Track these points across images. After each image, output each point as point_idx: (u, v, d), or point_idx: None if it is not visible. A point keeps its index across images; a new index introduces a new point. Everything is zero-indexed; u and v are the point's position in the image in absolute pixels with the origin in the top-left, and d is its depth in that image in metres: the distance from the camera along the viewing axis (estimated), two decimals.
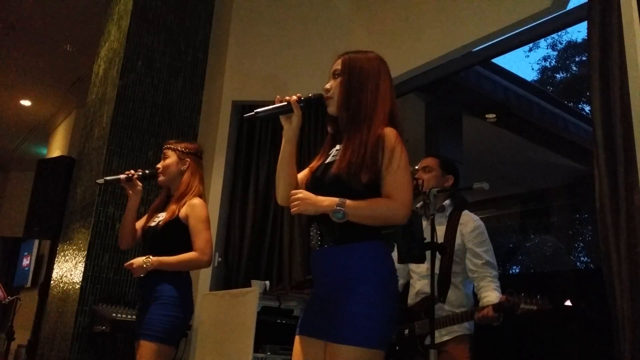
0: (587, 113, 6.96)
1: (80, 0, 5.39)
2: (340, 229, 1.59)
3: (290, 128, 1.69)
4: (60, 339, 3.88)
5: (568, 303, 3.86)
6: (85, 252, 3.85)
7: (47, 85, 7.19)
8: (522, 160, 6.25)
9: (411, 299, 2.69)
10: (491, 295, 2.38)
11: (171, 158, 2.62)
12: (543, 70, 12.51)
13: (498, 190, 6.28)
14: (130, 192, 2.58)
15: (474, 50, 3.46)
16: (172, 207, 2.53)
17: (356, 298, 1.53)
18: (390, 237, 2.95)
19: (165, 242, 2.49)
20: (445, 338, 2.48)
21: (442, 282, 2.51)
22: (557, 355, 3.67)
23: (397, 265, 2.76)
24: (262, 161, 4.21)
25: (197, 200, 2.53)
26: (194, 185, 2.59)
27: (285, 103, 1.66)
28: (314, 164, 1.79)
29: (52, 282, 4.62)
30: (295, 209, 1.58)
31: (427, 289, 2.56)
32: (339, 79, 1.71)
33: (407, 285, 2.80)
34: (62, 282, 4.29)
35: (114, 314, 3.46)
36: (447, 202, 2.69)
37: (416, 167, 2.70)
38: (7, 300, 4.57)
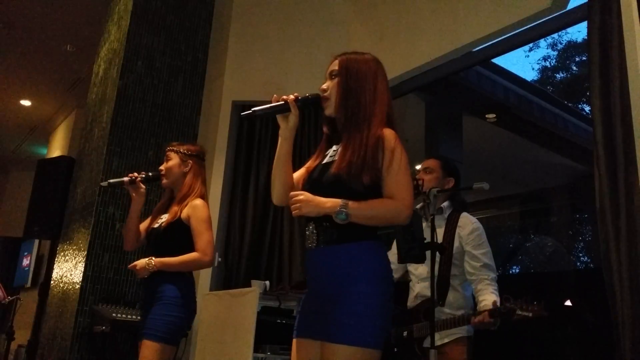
0: (587, 113, 6.95)
1: (80, 0, 5.39)
2: (338, 229, 1.59)
3: (287, 127, 1.69)
4: (60, 339, 3.88)
5: (568, 303, 3.86)
6: (85, 252, 3.85)
7: (47, 85, 7.19)
8: (522, 160, 6.25)
9: (410, 302, 2.70)
10: (488, 298, 2.39)
11: (174, 160, 2.65)
12: (543, 70, 12.51)
13: (498, 190, 6.28)
14: (134, 194, 2.60)
15: (474, 50, 3.46)
16: (175, 208, 2.55)
17: (353, 297, 1.53)
18: (386, 238, 2.96)
19: (168, 243, 2.51)
20: (445, 340, 2.48)
21: (441, 285, 2.52)
22: (557, 356, 3.67)
23: (393, 264, 2.77)
24: (262, 161, 4.21)
25: (198, 202, 2.55)
26: (197, 186, 2.62)
27: (283, 102, 1.66)
28: (310, 164, 1.79)
29: (52, 282, 4.62)
30: (297, 211, 1.58)
31: (427, 292, 2.56)
32: (336, 80, 1.71)
33: (406, 287, 2.80)
34: (62, 282, 4.29)
35: (114, 314, 3.46)
36: (445, 203, 2.69)
37: (417, 168, 2.70)
38: (7, 300, 4.57)
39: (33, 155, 9.00)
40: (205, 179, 2.72)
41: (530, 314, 2.21)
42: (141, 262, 2.46)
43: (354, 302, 1.52)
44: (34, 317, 5.67)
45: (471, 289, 2.56)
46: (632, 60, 2.32)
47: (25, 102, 7.78)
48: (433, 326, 2.20)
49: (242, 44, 4.55)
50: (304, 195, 1.58)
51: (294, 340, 1.67)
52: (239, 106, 4.35)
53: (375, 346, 1.52)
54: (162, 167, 2.67)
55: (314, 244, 1.65)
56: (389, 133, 1.64)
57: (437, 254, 2.40)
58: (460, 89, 5.00)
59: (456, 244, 2.57)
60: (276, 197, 1.76)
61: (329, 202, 1.55)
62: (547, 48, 12.29)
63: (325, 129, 1.80)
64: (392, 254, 2.69)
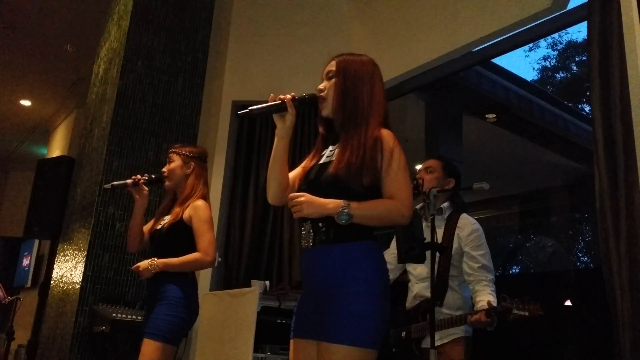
0: (587, 113, 6.95)
1: (80, 0, 5.39)
2: (336, 228, 1.59)
3: (283, 127, 1.69)
4: (60, 339, 3.88)
5: (568, 303, 3.86)
6: (85, 252, 3.85)
7: (47, 85, 7.20)
8: (522, 160, 6.25)
9: (409, 302, 2.69)
10: (485, 299, 2.39)
11: (176, 162, 2.67)
12: (543, 70, 12.50)
13: (498, 190, 6.28)
14: (137, 196, 2.63)
15: (474, 50, 3.46)
16: (177, 209, 2.58)
17: (349, 297, 1.53)
18: (386, 238, 2.96)
19: (171, 244, 2.54)
20: (443, 341, 2.48)
21: (439, 285, 2.51)
22: (557, 356, 3.67)
23: (391, 264, 2.77)
24: (262, 161, 4.21)
25: (200, 202, 2.58)
26: (199, 188, 2.64)
27: (280, 102, 1.66)
28: (306, 164, 1.79)
29: (52, 282, 4.62)
30: (299, 212, 1.57)
31: (425, 293, 2.57)
32: (333, 80, 1.72)
33: (405, 288, 2.80)
34: (62, 282, 4.29)
35: (114, 314, 3.46)
36: (445, 204, 2.69)
37: (417, 168, 2.70)
38: (7, 300, 4.57)
39: (33, 155, 9.00)
40: (207, 181, 2.75)
41: (527, 313, 2.22)
42: (144, 264, 2.49)
43: (351, 302, 1.52)
44: (34, 317, 5.68)
45: (469, 290, 2.56)
46: (632, 60, 2.32)
47: (25, 102, 7.79)
48: (433, 326, 2.20)
49: (242, 44, 4.55)
50: (305, 197, 1.58)
51: (291, 341, 1.67)
52: (239, 106, 4.35)
53: (371, 346, 1.52)
54: (164, 169, 2.69)
55: (310, 244, 1.64)
56: (387, 134, 1.65)
57: (437, 254, 2.40)
58: (460, 89, 5.00)
59: (455, 244, 2.57)
60: (272, 196, 1.76)
61: (331, 203, 1.55)
62: (547, 48, 12.29)
63: (320, 129, 1.80)
64: (390, 254, 2.70)
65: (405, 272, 2.81)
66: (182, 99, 4.55)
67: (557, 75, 12.26)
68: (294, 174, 1.79)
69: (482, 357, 2.71)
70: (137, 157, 4.20)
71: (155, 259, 2.48)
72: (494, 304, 2.33)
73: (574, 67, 11.81)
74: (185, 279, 2.52)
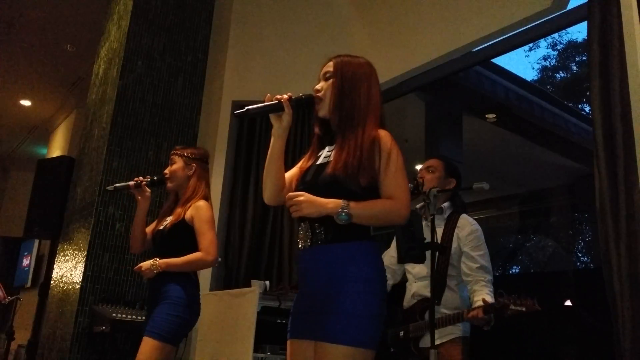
0: (587, 113, 6.96)
1: (80, 0, 5.39)
2: (334, 228, 1.59)
3: (280, 127, 1.69)
4: (60, 339, 3.88)
5: (568, 303, 3.86)
6: (85, 252, 3.85)
7: (47, 85, 7.20)
8: (522, 160, 6.25)
9: (407, 302, 2.69)
10: (482, 298, 2.39)
11: (178, 164, 2.70)
12: (543, 70, 12.51)
13: (498, 190, 6.28)
14: (139, 198, 2.65)
15: (474, 50, 3.46)
16: (178, 210, 2.60)
17: (346, 297, 1.53)
18: (386, 238, 2.96)
19: (173, 244, 2.55)
20: (440, 341, 2.47)
21: (437, 284, 2.51)
22: (557, 356, 3.67)
23: (393, 266, 2.77)
24: (262, 161, 4.15)
25: (202, 203, 2.60)
26: (200, 189, 2.66)
27: (276, 102, 1.66)
28: (303, 164, 1.79)
29: (52, 282, 4.62)
30: (298, 212, 1.57)
31: (423, 291, 2.57)
32: (330, 81, 1.72)
33: (402, 287, 2.79)
34: (62, 282, 4.29)
35: (114, 314, 3.46)
36: (446, 204, 2.69)
37: (417, 168, 2.70)
38: (7, 300, 4.57)
39: (33, 155, 9.00)
40: (209, 182, 2.77)
41: (524, 309, 2.22)
42: (146, 264, 2.50)
43: (348, 302, 1.52)
44: (34, 317, 5.67)
45: (467, 290, 2.56)
46: (632, 60, 2.32)
47: (25, 102, 7.79)
48: (433, 326, 2.19)
49: (242, 44, 4.55)
50: (304, 197, 1.57)
51: (288, 342, 1.67)
52: (239, 106, 4.29)
53: (368, 346, 1.52)
54: (166, 171, 2.72)
55: (308, 244, 1.65)
56: (384, 134, 1.65)
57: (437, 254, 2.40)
58: (460, 89, 5.00)
59: (454, 244, 2.57)
60: (268, 196, 1.76)
61: (331, 203, 1.55)
62: (547, 48, 12.31)
63: (316, 130, 1.80)
64: (391, 256, 2.70)
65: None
66: (182, 99, 4.55)
67: (557, 75, 12.27)
68: (290, 174, 1.79)
69: (481, 358, 2.71)
70: (137, 157, 4.20)
71: (158, 259, 2.49)
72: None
73: (574, 67, 11.82)
74: (188, 279, 2.53)
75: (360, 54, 1.84)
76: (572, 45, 11.95)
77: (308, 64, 4.18)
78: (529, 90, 5.56)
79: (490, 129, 5.59)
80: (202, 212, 2.56)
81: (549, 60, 12.32)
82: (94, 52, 5.29)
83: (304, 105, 1.71)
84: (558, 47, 12.16)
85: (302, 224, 1.67)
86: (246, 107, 1.67)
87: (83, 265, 3.83)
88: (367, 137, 1.63)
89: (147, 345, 2.35)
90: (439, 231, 2.58)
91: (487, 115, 5.41)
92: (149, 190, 2.67)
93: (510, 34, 3.22)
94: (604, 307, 2.22)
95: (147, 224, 2.75)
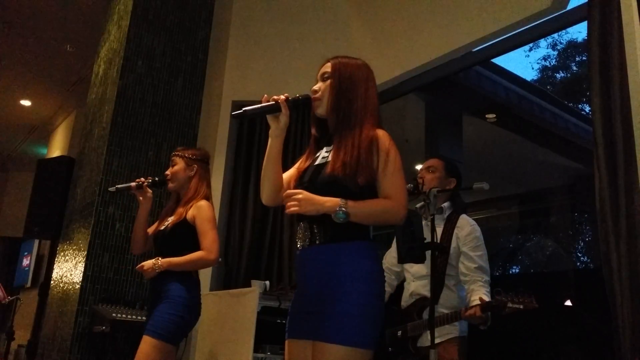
0: (587, 113, 6.95)
1: (80, 0, 5.39)
2: (333, 228, 1.59)
3: (277, 127, 1.69)
4: (60, 339, 3.88)
5: (568, 303, 3.86)
6: (85, 252, 3.85)
7: (47, 85, 7.19)
8: (522, 160, 6.25)
9: (405, 301, 2.69)
10: (479, 297, 2.38)
11: (179, 165, 2.72)
12: (543, 70, 12.50)
13: (498, 190, 6.27)
14: (141, 198, 2.68)
15: (474, 50, 3.46)
16: (180, 210, 2.62)
17: (344, 297, 1.53)
18: (386, 238, 2.96)
19: (174, 244, 2.56)
20: (437, 340, 2.47)
21: (435, 284, 2.51)
22: (557, 356, 3.67)
23: (395, 267, 2.77)
24: (262, 161, 4.19)
25: (203, 202, 2.62)
26: (202, 189, 2.69)
27: (274, 102, 1.66)
28: (301, 165, 1.79)
29: (52, 282, 4.62)
30: (295, 208, 1.56)
31: (422, 290, 2.57)
32: (328, 82, 1.72)
33: (401, 286, 2.79)
34: (62, 282, 4.29)
35: (114, 314, 3.46)
36: (446, 204, 2.69)
37: (417, 168, 2.70)
38: (7, 300, 4.57)
39: (33, 155, 9.00)
40: (210, 183, 2.79)
41: (521, 306, 2.21)
42: (148, 263, 2.52)
43: (346, 301, 1.52)
44: (34, 317, 5.68)
45: (465, 290, 2.56)
46: (632, 60, 2.32)
47: (25, 102, 7.78)
48: (433, 325, 2.19)
49: (242, 44, 4.55)
50: (302, 195, 1.57)
51: (286, 342, 1.67)
52: (239, 106, 4.31)
53: (366, 346, 1.52)
54: (167, 172, 2.73)
55: (307, 244, 1.65)
56: (382, 134, 1.66)
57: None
58: (460, 89, 5.00)
59: (453, 244, 2.57)
60: (265, 197, 1.77)
61: (329, 202, 1.55)
62: (547, 48, 12.29)
63: (313, 131, 1.81)
64: (392, 256, 2.69)
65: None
66: (182, 99, 4.55)
67: (557, 75, 12.26)
68: (288, 174, 1.79)
69: (482, 358, 2.71)
70: (137, 157, 4.20)
71: (160, 259, 2.50)
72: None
73: (574, 67, 11.81)
74: (190, 279, 2.54)
75: (360, 54, 1.84)
76: (572, 45, 11.95)
77: (308, 64, 4.16)
78: (529, 90, 5.56)
79: (490, 129, 5.59)
80: (203, 211, 2.57)
81: (549, 60, 12.32)
82: (94, 52, 5.29)
83: (301, 106, 1.72)
84: (558, 47, 12.16)
85: (301, 223, 1.67)
86: (243, 108, 1.68)
87: (83, 265, 3.83)
88: (364, 137, 1.63)
89: (147, 344, 2.35)
90: (439, 231, 2.58)
91: (487, 115, 5.41)
92: (150, 191, 2.70)
93: (510, 34, 3.22)
94: (604, 307, 2.22)
95: (149, 224, 2.76)
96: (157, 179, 2.72)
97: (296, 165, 1.82)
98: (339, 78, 1.71)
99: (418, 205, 2.62)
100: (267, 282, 3.32)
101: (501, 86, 5.18)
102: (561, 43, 12.12)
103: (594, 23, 2.48)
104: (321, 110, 1.73)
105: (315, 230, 1.63)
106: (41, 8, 5.55)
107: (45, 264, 6.53)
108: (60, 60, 6.52)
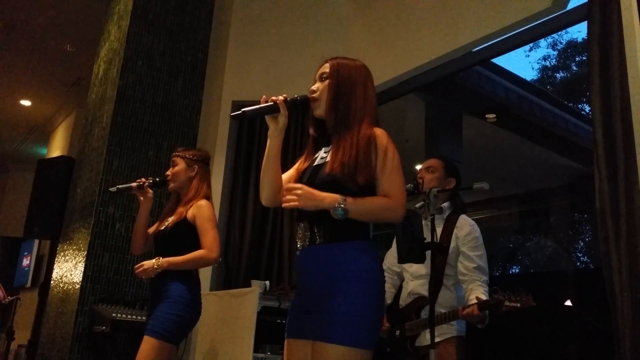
0: (587, 113, 6.95)
1: (80, 0, 5.39)
2: (333, 228, 1.59)
3: (276, 128, 1.69)
4: (60, 339, 3.88)
5: (568, 303, 3.86)
6: (85, 252, 3.85)
7: (47, 85, 7.19)
8: (522, 160, 6.25)
9: (403, 300, 2.69)
10: (477, 296, 2.38)
11: (180, 165, 2.73)
12: (543, 70, 12.50)
13: (498, 190, 6.28)
14: (142, 198, 2.70)
15: (474, 50, 3.46)
16: (180, 209, 2.64)
17: (344, 297, 1.53)
18: (386, 237, 2.96)
19: (175, 243, 2.57)
20: (436, 340, 2.47)
21: (433, 283, 2.51)
22: (558, 356, 3.67)
23: (394, 267, 2.77)
24: (262, 161, 4.20)
25: (203, 202, 2.63)
26: (202, 190, 2.70)
27: (272, 103, 1.66)
28: (300, 165, 1.80)
29: (52, 282, 4.62)
30: (294, 203, 1.56)
31: (420, 290, 2.58)
32: (326, 82, 1.73)
33: (401, 286, 2.79)
34: (62, 282, 4.29)
35: (114, 314, 3.46)
36: (446, 204, 2.69)
37: (417, 168, 2.70)
38: (7, 300, 4.57)
39: (33, 155, 8.99)
40: (210, 183, 2.80)
41: (519, 305, 2.21)
42: (149, 263, 2.52)
43: (346, 301, 1.52)
44: (34, 317, 5.67)
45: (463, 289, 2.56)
46: (632, 60, 2.32)
47: (25, 102, 7.78)
48: (433, 325, 2.20)
49: (242, 44, 4.56)
50: (302, 190, 1.57)
51: (286, 341, 1.67)
52: (239, 106, 4.31)
53: (367, 346, 1.52)
54: (168, 173, 2.74)
55: (307, 244, 1.65)
56: (380, 132, 1.66)
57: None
58: (460, 89, 4.99)
59: (452, 244, 2.57)
60: (265, 198, 1.77)
61: (328, 197, 1.55)
62: (547, 48, 12.30)
63: (312, 131, 1.81)
64: (393, 256, 2.69)
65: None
66: (182, 99, 4.55)
67: (557, 75, 12.26)
68: (287, 175, 1.80)
69: (482, 358, 2.71)
70: (137, 157, 4.20)
71: (160, 259, 2.51)
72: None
73: (574, 67, 11.81)
74: (190, 279, 2.54)
75: (360, 54, 1.85)
76: (572, 45, 11.95)
77: (308, 64, 4.16)
78: (529, 90, 5.55)
79: (490, 129, 5.59)
80: (203, 210, 2.58)
81: (549, 60, 12.32)
82: (94, 52, 5.29)
83: (299, 106, 1.72)
84: (558, 47, 12.16)
85: (301, 223, 1.67)
86: (242, 109, 1.68)
87: (83, 265, 3.83)
88: (362, 136, 1.63)
89: (148, 344, 2.36)
90: (438, 231, 2.58)
91: (487, 115, 5.41)
92: (150, 191, 2.72)
93: (510, 34, 3.22)
94: (604, 307, 2.22)
95: (150, 224, 2.77)
96: (157, 179, 2.74)
97: (295, 166, 1.82)
98: (337, 78, 1.71)
99: (418, 205, 2.62)
100: (267, 282, 3.32)
101: (501, 86, 5.18)
102: (561, 43, 12.13)
103: (594, 23, 2.48)
104: (319, 110, 1.73)
105: (316, 230, 1.63)
106: (41, 8, 5.55)
107: (45, 264, 6.52)
108: (60, 60, 6.52)
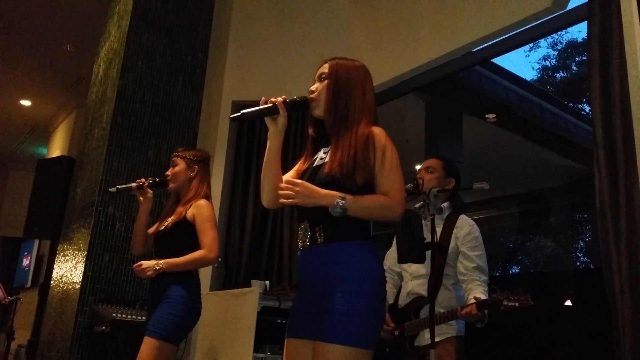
0: (587, 113, 6.95)
1: (80, 0, 5.39)
2: (333, 227, 1.59)
3: (276, 129, 1.69)
4: (60, 339, 3.88)
5: (568, 303, 3.86)
6: (85, 252, 3.86)
7: (47, 85, 7.19)
8: (522, 160, 6.25)
9: (402, 300, 2.69)
10: (475, 295, 2.38)
11: (180, 165, 2.73)
12: (543, 70, 12.49)
13: (498, 190, 6.28)
14: (142, 199, 2.70)
15: (474, 50, 3.46)
16: (180, 209, 2.64)
17: (344, 297, 1.53)
18: (386, 237, 2.96)
19: (174, 243, 2.58)
20: (434, 339, 2.47)
21: (432, 283, 2.51)
22: (558, 356, 3.67)
23: (395, 267, 2.77)
24: (262, 161, 4.20)
25: (202, 201, 2.63)
26: (202, 190, 2.70)
27: (271, 105, 1.66)
28: (300, 166, 1.80)
29: (52, 282, 4.62)
30: (293, 199, 1.55)
31: (419, 289, 2.58)
32: (325, 82, 1.73)
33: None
34: (62, 282, 4.29)
35: (114, 314, 3.46)
36: (445, 204, 2.69)
37: (417, 167, 2.70)
38: (7, 300, 4.57)
39: (33, 155, 9.00)
40: (210, 183, 2.80)
41: (517, 304, 2.21)
42: (148, 263, 2.52)
43: (346, 302, 1.52)
44: (34, 317, 5.67)
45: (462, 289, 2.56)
46: (632, 60, 2.32)
47: (25, 102, 7.78)
48: (433, 325, 2.19)
49: (242, 43, 4.56)
50: (301, 187, 1.56)
51: (286, 341, 1.67)
52: (238, 106, 4.33)
53: (367, 346, 1.52)
54: (168, 173, 2.75)
55: (307, 244, 1.65)
56: (378, 131, 1.66)
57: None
58: (460, 89, 4.99)
59: (452, 244, 2.57)
60: (266, 199, 1.77)
61: (327, 195, 1.55)
62: (547, 48, 12.28)
63: (311, 132, 1.81)
64: (393, 256, 2.69)
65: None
66: (182, 99, 4.55)
67: (557, 75, 12.25)
68: (287, 176, 1.79)
69: (482, 359, 2.71)
70: (137, 157, 4.20)
71: (161, 260, 2.50)
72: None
73: (574, 67, 11.80)
74: (190, 279, 2.54)
75: (360, 54, 1.85)
76: (572, 45, 11.94)
77: (308, 64, 4.15)
78: (529, 90, 5.56)
79: (490, 129, 5.59)
80: (203, 210, 2.59)
81: (549, 60, 12.31)
82: (94, 52, 5.29)
83: (299, 108, 1.72)
84: (558, 47, 12.15)
85: (302, 224, 1.68)
86: (241, 111, 1.68)
87: (83, 265, 3.83)
88: (360, 135, 1.64)
89: (148, 345, 2.36)
90: (438, 231, 2.58)
91: (487, 115, 5.41)
92: (150, 191, 2.72)
93: (510, 34, 3.22)
94: (604, 307, 2.22)
95: (150, 224, 2.77)
96: (157, 179, 2.75)
97: (295, 167, 1.83)
98: (335, 79, 1.71)
99: (417, 205, 2.61)
100: (267, 282, 3.32)
101: (501, 86, 5.18)
102: (561, 43, 12.12)
103: (594, 23, 2.48)
104: (318, 111, 1.73)
105: (316, 230, 1.63)
106: (41, 8, 5.55)
107: (45, 264, 6.52)
108: (60, 60, 6.52)
